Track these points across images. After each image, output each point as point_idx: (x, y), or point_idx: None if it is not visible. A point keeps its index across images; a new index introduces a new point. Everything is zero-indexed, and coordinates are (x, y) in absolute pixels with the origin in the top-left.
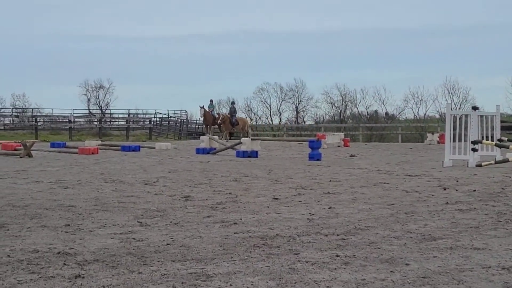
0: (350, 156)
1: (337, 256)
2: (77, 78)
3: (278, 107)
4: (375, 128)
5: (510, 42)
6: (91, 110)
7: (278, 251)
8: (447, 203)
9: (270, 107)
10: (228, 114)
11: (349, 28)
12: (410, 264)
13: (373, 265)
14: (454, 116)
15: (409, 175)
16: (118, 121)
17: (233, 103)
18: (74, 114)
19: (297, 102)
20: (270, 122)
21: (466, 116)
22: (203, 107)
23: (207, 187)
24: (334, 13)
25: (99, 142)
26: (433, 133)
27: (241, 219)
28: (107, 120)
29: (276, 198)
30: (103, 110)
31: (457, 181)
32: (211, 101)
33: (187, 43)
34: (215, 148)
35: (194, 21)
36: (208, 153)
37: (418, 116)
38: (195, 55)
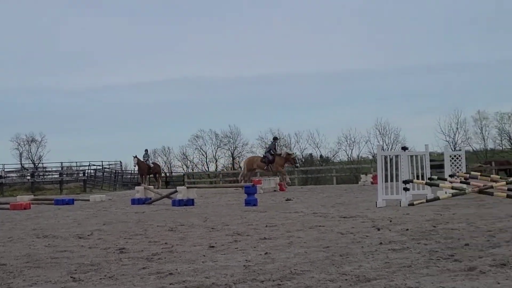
0: (286, 200)
1: None
2: (8, 132)
3: (214, 154)
4: (310, 171)
5: (434, 83)
6: (23, 164)
7: None
8: (381, 243)
9: (206, 154)
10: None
11: (280, 72)
12: None
13: None
14: (385, 157)
15: (344, 217)
16: (52, 174)
17: (146, 150)
18: (6, 169)
19: (232, 148)
20: (207, 169)
21: (397, 156)
22: (136, 156)
23: (142, 238)
24: (265, 59)
25: (32, 196)
26: (366, 174)
27: (176, 269)
28: (40, 174)
29: (212, 246)
30: (36, 164)
31: (391, 221)
32: (146, 150)
33: (119, 92)
34: (150, 198)
35: (126, 70)
36: (143, 203)
37: (351, 158)
38: (128, 104)
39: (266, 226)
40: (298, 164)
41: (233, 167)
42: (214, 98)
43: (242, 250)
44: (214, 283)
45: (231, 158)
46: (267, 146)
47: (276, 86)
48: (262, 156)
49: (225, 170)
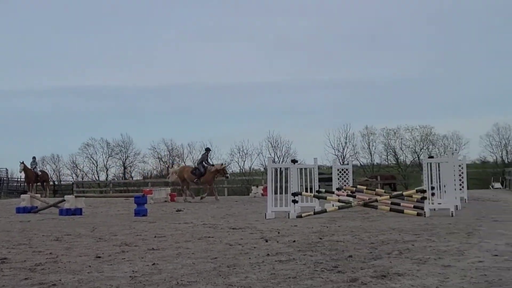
0: (177, 210)
1: None
2: None
3: (105, 163)
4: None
5: (325, 98)
6: None
7: None
8: (268, 254)
9: (97, 163)
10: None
11: (173, 83)
12: None
13: None
14: (276, 169)
15: (233, 228)
16: None
17: (34, 157)
18: None
19: (124, 157)
20: (97, 178)
21: (287, 168)
22: (23, 162)
23: (26, 247)
24: (158, 69)
25: None
26: (257, 186)
27: (60, 280)
28: None
29: (99, 257)
30: None
31: (279, 233)
32: (34, 158)
33: (5, 98)
34: (37, 207)
35: (15, 77)
36: (29, 212)
37: (243, 170)
38: (16, 111)
39: (155, 236)
40: (228, 175)
41: (124, 176)
42: (106, 107)
43: (129, 261)
44: None
45: (123, 168)
46: (200, 156)
47: (169, 96)
48: (193, 167)
49: (116, 179)
